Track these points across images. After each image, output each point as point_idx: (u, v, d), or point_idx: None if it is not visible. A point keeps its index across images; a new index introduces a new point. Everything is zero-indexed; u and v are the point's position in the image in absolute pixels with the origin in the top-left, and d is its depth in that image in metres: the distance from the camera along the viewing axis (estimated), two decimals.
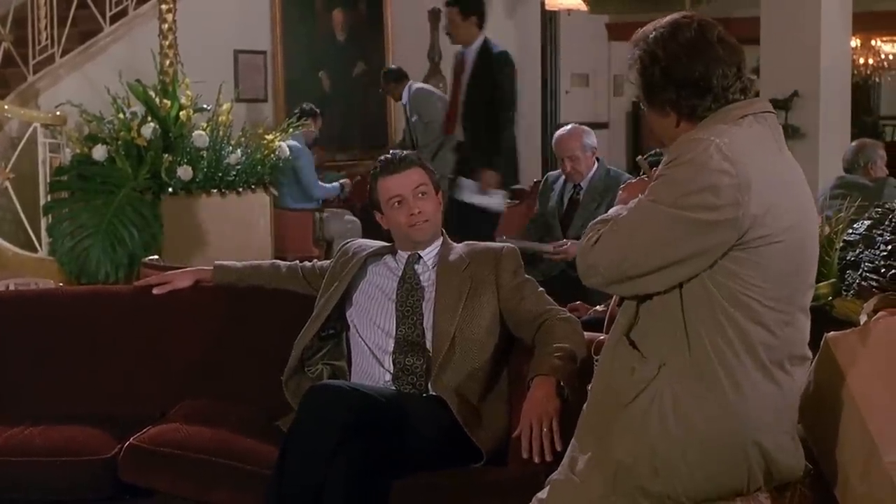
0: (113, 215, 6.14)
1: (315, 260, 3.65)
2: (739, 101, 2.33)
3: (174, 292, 3.67)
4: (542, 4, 9.31)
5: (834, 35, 8.30)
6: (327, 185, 8.18)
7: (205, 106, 6.62)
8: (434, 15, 10.36)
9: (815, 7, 8.12)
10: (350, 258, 3.40)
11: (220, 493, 3.07)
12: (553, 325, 3.14)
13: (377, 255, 3.40)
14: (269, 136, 6.90)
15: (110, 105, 6.28)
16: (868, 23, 10.15)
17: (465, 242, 3.42)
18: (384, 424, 2.91)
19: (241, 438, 3.19)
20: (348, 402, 2.88)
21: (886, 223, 3.32)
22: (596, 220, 2.39)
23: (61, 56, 7.57)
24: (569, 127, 5.32)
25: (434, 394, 3.11)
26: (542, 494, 2.43)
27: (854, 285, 3.18)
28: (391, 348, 3.22)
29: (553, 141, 5.47)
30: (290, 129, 7.33)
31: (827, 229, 3.29)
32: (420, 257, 3.33)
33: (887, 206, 3.45)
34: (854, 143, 6.31)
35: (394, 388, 3.17)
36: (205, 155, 6.37)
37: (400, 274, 3.31)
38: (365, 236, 4.27)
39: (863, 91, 12.87)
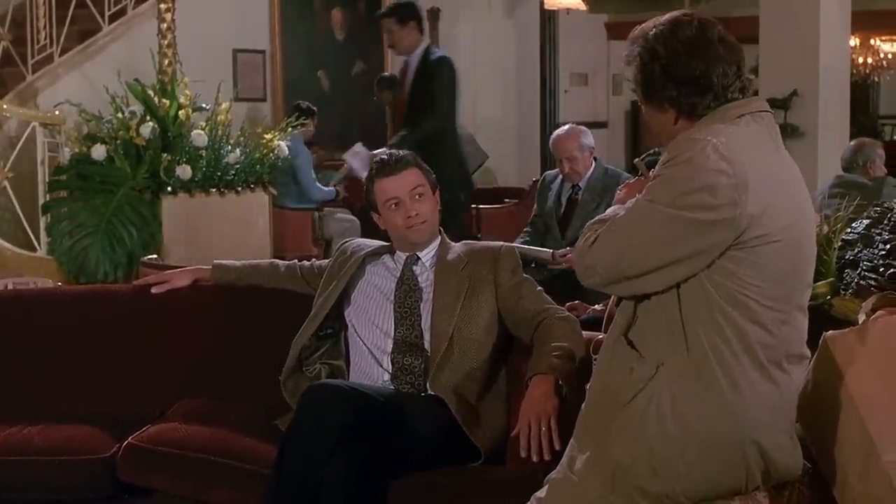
0: (112, 215, 6.14)
1: (314, 259, 3.65)
2: (737, 101, 2.33)
3: (173, 291, 3.67)
4: (541, 4, 9.31)
5: (833, 34, 8.30)
6: (325, 188, 8.18)
7: (204, 105, 6.62)
8: (433, 14, 10.36)
9: (814, 6, 8.12)
10: (348, 258, 3.40)
11: (218, 492, 3.07)
12: (551, 324, 3.14)
13: (376, 254, 3.40)
14: (268, 136, 6.90)
15: (109, 104, 6.27)
16: (867, 22, 10.15)
17: (463, 242, 3.43)
18: (383, 424, 2.91)
19: (239, 438, 3.19)
20: (347, 401, 2.88)
21: (885, 222, 3.31)
22: (593, 220, 2.39)
23: (60, 55, 7.56)
24: (566, 127, 5.31)
25: (432, 393, 3.11)
26: (541, 493, 2.43)
27: (853, 284, 3.17)
28: (389, 348, 3.22)
29: (550, 142, 5.46)
30: (290, 129, 7.33)
31: (825, 228, 3.29)
32: (418, 258, 3.33)
33: (886, 205, 3.45)
34: (853, 143, 6.30)
35: (392, 387, 3.17)
36: (204, 154, 6.37)
37: (398, 275, 3.31)
38: (364, 236, 4.26)
39: (862, 90, 12.87)
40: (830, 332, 2.56)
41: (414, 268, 3.32)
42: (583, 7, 8.69)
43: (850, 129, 8.65)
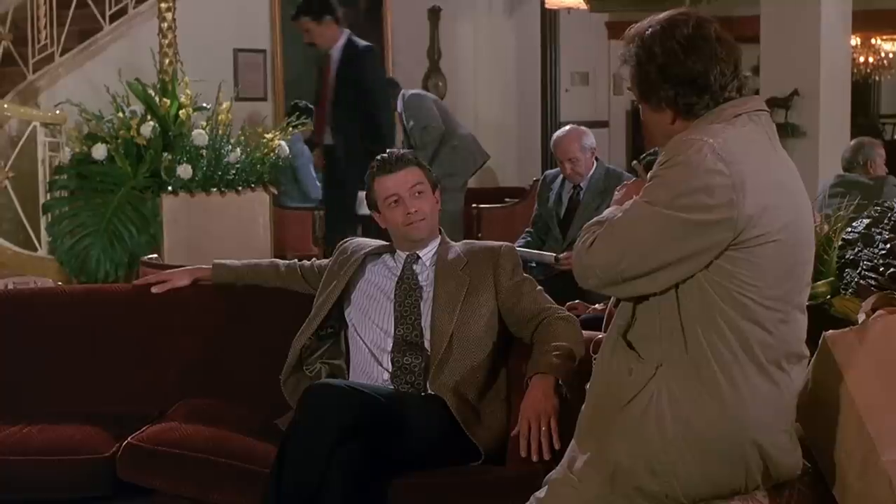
0: (112, 214, 6.14)
1: (314, 259, 3.65)
2: (733, 100, 2.32)
3: (173, 291, 3.67)
4: (542, 3, 9.30)
5: (834, 34, 8.29)
6: None
7: (204, 105, 6.62)
8: (434, 13, 10.36)
9: (815, 6, 8.11)
10: (349, 257, 3.40)
11: (218, 491, 3.07)
12: (551, 324, 3.15)
13: (376, 254, 3.40)
14: (269, 135, 6.90)
15: (110, 104, 6.27)
16: (868, 21, 10.13)
17: (464, 241, 3.43)
18: (383, 423, 2.91)
19: (239, 437, 3.19)
20: (347, 401, 2.88)
21: (885, 222, 3.31)
22: (591, 221, 2.39)
23: (61, 55, 7.56)
24: (567, 128, 5.31)
25: (432, 393, 3.11)
26: (541, 493, 2.43)
27: (853, 284, 3.17)
28: (389, 347, 3.23)
29: (552, 143, 5.46)
30: (290, 129, 7.33)
31: (826, 227, 3.28)
32: (418, 257, 3.33)
33: (886, 204, 3.44)
34: (853, 142, 6.30)
35: (392, 386, 3.17)
36: (204, 154, 6.36)
37: (398, 274, 3.31)
38: (364, 235, 4.26)
39: (863, 90, 12.86)
40: (830, 331, 2.56)
41: (414, 267, 3.32)
42: (584, 6, 8.67)
43: (851, 128, 8.64)
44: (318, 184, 8.09)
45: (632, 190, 2.48)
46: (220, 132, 6.43)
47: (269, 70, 9.36)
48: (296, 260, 3.64)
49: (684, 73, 2.29)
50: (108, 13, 7.73)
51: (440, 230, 3.39)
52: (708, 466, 2.27)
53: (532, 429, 2.83)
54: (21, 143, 6.91)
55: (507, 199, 8.14)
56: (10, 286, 5.77)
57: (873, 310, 2.59)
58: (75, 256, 6.20)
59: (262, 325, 3.62)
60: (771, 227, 2.23)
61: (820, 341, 2.53)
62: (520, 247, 4.68)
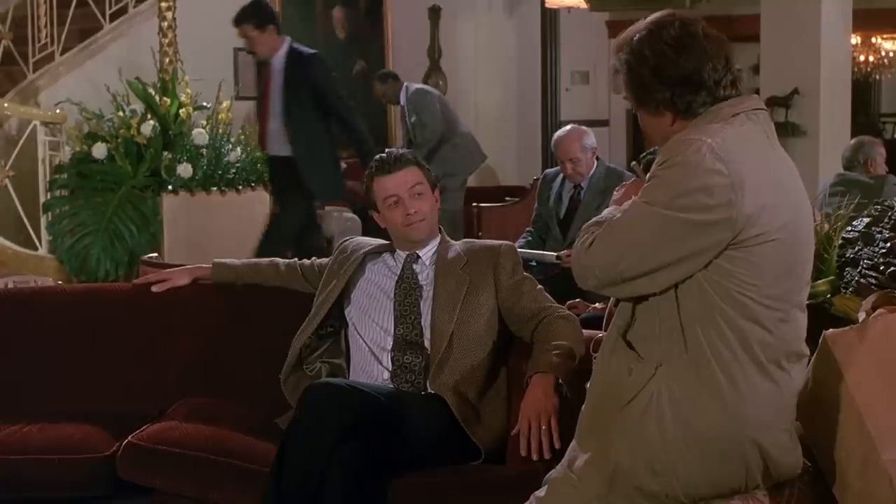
0: (113, 213, 6.16)
1: (314, 258, 3.64)
2: (731, 99, 2.31)
3: (173, 290, 3.67)
4: (542, 2, 9.30)
5: (834, 32, 8.29)
6: None
7: (204, 104, 6.63)
8: (434, 13, 10.36)
9: (815, 4, 8.11)
10: (349, 256, 3.40)
11: (219, 490, 3.07)
12: (552, 323, 3.14)
13: (376, 253, 3.40)
14: None
15: (110, 103, 6.29)
16: (868, 20, 10.12)
17: (463, 240, 3.43)
18: (383, 423, 2.90)
19: (239, 436, 3.19)
20: (347, 400, 2.88)
21: (886, 220, 3.31)
22: (590, 222, 2.39)
23: (61, 54, 7.57)
24: (568, 128, 5.30)
25: (432, 392, 3.11)
26: (541, 493, 2.43)
27: (853, 282, 3.17)
28: (389, 346, 3.22)
29: (552, 143, 5.45)
30: None
31: (826, 226, 3.28)
32: (418, 256, 3.33)
33: (886, 203, 3.44)
34: (853, 141, 6.30)
35: (392, 385, 3.17)
36: (204, 153, 6.38)
37: (398, 273, 3.31)
38: (365, 234, 4.26)
39: (863, 89, 12.85)
40: (830, 330, 2.56)
41: (414, 266, 3.32)
42: (584, 5, 8.67)
43: (851, 127, 8.64)
44: None
45: (630, 190, 2.48)
46: (220, 131, 6.45)
47: None
48: (296, 259, 3.64)
49: (677, 73, 2.29)
50: (108, 12, 7.74)
51: (440, 229, 3.39)
52: (708, 466, 2.27)
53: (532, 428, 2.83)
54: (21, 142, 6.92)
55: (507, 198, 8.14)
56: (11, 285, 5.78)
57: (873, 308, 2.59)
58: (75, 255, 6.21)
59: (262, 324, 3.62)
60: (770, 226, 2.23)
61: (820, 340, 2.53)
62: (520, 247, 4.68)
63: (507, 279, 3.26)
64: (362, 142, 6.11)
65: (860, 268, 3.19)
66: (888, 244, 3.19)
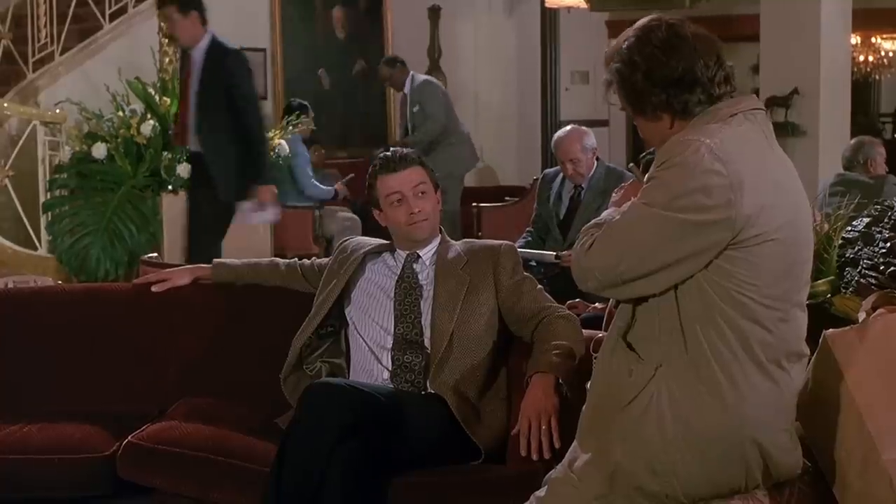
0: (112, 213, 6.16)
1: (314, 258, 3.64)
2: (728, 100, 2.31)
3: (173, 290, 3.67)
4: (542, 2, 9.30)
5: (834, 32, 8.30)
6: (323, 187, 8.17)
7: None
8: (434, 12, 10.37)
9: (815, 4, 8.12)
10: (348, 255, 3.40)
11: (218, 490, 3.07)
12: (552, 323, 3.14)
13: (376, 252, 3.40)
14: (269, 134, 6.90)
15: (110, 103, 6.29)
16: (868, 20, 10.13)
17: (463, 240, 3.43)
18: (383, 422, 2.90)
19: (239, 436, 3.19)
20: (347, 400, 2.88)
21: (885, 220, 3.31)
22: (589, 224, 2.39)
23: (61, 54, 7.58)
24: (568, 129, 5.29)
25: (432, 391, 3.11)
26: (541, 493, 2.43)
27: (853, 282, 3.17)
28: (389, 345, 3.22)
29: (553, 143, 5.44)
30: (290, 128, 7.34)
31: (826, 226, 3.28)
32: (419, 256, 3.33)
33: (886, 203, 3.45)
34: (853, 141, 6.30)
35: (392, 385, 3.17)
36: None
37: (398, 273, 3.31)
38: (364, 234, 4.26)
39: (863, 88, 12.86)
40: (830, 330, 2.56)
41: (414, 266, 3.32)
42: (584, 5, 8.67)
43: (851, 127, 8.65)
44: (316, 183, 8.11)
45: (630, 192, 2.48)
46: None
47: (269, 69, 9.38)
48: (296, 259, 3.64)
49: (670, 74, 2.28)
50: (108, 12, 7.75)
51: (440, 229, 3.39)
52: (708, 466, 2.27)
53: (532, 427, 2.83)
54: (21, 141, 6.92)
55: (507, 198, 8.14)
56: (10, 285, 5.77)
57: (873, 308, 2.59)
58: (75, 255, 6.21)
59: (262, 323, 3.62)
60: (769, 226, 2.23)
61: (820, 340, 2.53)
62: (520, 247, 4.68)
63: (507, 279, 3.26)
64: (252, 143, 5.70)
65: (860, 268, 3.19)
66: (888, 244, 3.19)
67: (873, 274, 3.13)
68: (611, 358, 2.36)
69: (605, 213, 2.42)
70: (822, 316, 2.93)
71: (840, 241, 3.27)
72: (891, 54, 12.87)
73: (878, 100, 14.61)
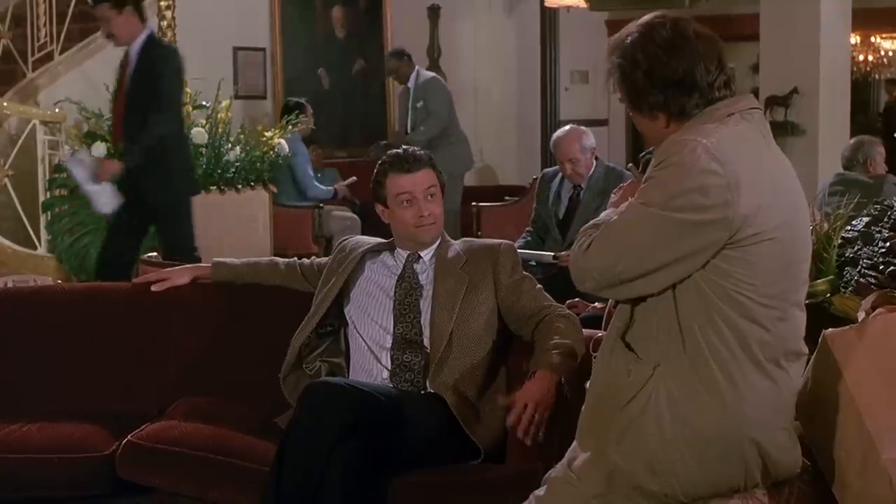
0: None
1: (314, 257, 3.65)
2: (725, 100, 2.31)
3: (172, 289, 3.67)
4: (542, 1, 9.31)
5: (833, 32, 8.30)
6: (323, 187, 8.18)
7: (204, 103, 6.63)
8: (433, 11, 10.37)
9: (814, 4, 8.12)
10: (348, 255, 3.40)
11: (218, 490, 3.08)
12: (552, 322, 3.15)
13: (375, 251, 3.40)
14: (269, 134, 6.91)
15: (109, 102, 6.27)
16: (868, 19, 10.14)
17: (463, 239, 3.43)
18: (382, 422, 2.91)
19: (239, 435, 3.19)
20: (346, 399, 2.88)
21: (885, 220, 3.31)
22: (587, 224, 2.39)
23: (60, 53, 7.57)
24: (567, 129, 5.29)
25: (432, 391, 3.11)
26: (540, 492, 2.43)
27: (852, 282, 3.17)
28: (389, 344, 3.23)
29: (552, 143, 5.44)
30: (290, 127, 7.34)
31: (826, 226, 3.28)
32: (419, 256, 3.33)
33: (886, 202, 3.45)
34: (853, 140, 6.30)
35: (391, 384, 3.17)
36: (204, 152, 6.38)
37: (398, 272, 3.31)
38: (364, 233, 4.26)
39: (862, 88, 12.87)
40: (830, 329, 2.55)
41: (415, 265, 3.32)
42: (583, 5, 8.67)
43: (851, 126, 8.65)
44: (316, 182, 8.11)
45: (628, 192, 2.48)
46: (219, 130, 6.45)
47: (268, 68, 9.38)
48: (295, 258, 3.64)
49: (670, 75, 2.28)
50: None
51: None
52: (707, 465, 2.27)
53: (528, 410, 2.83)
54: (21, 141, 6.92)
55: (506, 198, 8.14)
56: (10, 284, 5.78)
57: (873, 308, 2.59)
58: (75, 254, 6.21)
59: (261, 323, 3.62)
60: (766, 225, 2.23)
61: (819, 339, 2.53)
62: (519, 247, 4.68)
63: (506, 278, 3.26)
64: (141, 141, 5.41)
65: (859, 267, 3.19)
66: (887, 244, 3.19)
67: (873, 273, 3.13)
68: (609, 358, 2.36)
69: (603, 214, 2.42)
70: (821, 315, 2.93)
71: (839, 241, 3.27)
72: (890, 54, 12.89)
73: (877, 99, 14.61)
